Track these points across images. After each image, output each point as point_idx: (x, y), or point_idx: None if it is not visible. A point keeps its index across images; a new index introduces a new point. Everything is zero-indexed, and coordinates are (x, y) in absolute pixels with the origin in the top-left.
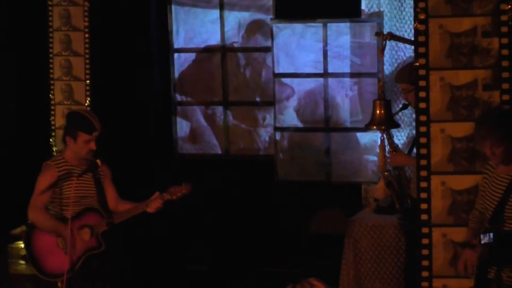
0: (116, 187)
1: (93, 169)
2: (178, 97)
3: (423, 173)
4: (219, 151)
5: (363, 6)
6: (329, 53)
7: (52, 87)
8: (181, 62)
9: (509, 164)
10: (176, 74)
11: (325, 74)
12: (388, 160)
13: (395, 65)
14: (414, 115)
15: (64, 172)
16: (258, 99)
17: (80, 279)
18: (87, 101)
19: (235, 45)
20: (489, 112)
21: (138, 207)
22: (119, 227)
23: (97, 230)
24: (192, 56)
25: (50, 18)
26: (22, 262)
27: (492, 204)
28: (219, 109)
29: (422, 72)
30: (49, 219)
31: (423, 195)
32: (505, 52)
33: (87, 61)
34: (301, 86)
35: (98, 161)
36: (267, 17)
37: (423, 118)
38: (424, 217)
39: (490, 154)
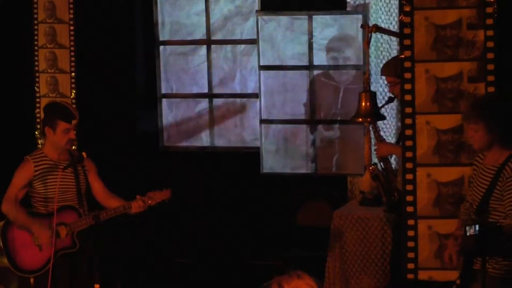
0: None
1: (78, 162)
2: (164, 90)
3: (409, 165)
4: (205, 144)
5: None
6: (314, 45)
7: (37, 79)
8: (166, 54)
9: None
10: (162, 67)
11: (310, 67)
12: (375, 151)
13: (381, 57)
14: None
15: (43, 167)
16: (243, 91)
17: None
18: (73, 93)
19: (221, 37)
20: (490, 97)
21: (125, 207)
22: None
23: (72, 229)
24: (177, 48)
25: (35, 11)
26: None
27: (478, 195)
28: (205, 102)
29: (407, 64)
30: (21, 213)
31: (409, 187)
32: (490, 44)
33: (72, 53)
34: (287, 78)
35: (84, 153)
36: (253, 9)
37: (408, 110)
38: (409, 209)
39: (470, 136)
